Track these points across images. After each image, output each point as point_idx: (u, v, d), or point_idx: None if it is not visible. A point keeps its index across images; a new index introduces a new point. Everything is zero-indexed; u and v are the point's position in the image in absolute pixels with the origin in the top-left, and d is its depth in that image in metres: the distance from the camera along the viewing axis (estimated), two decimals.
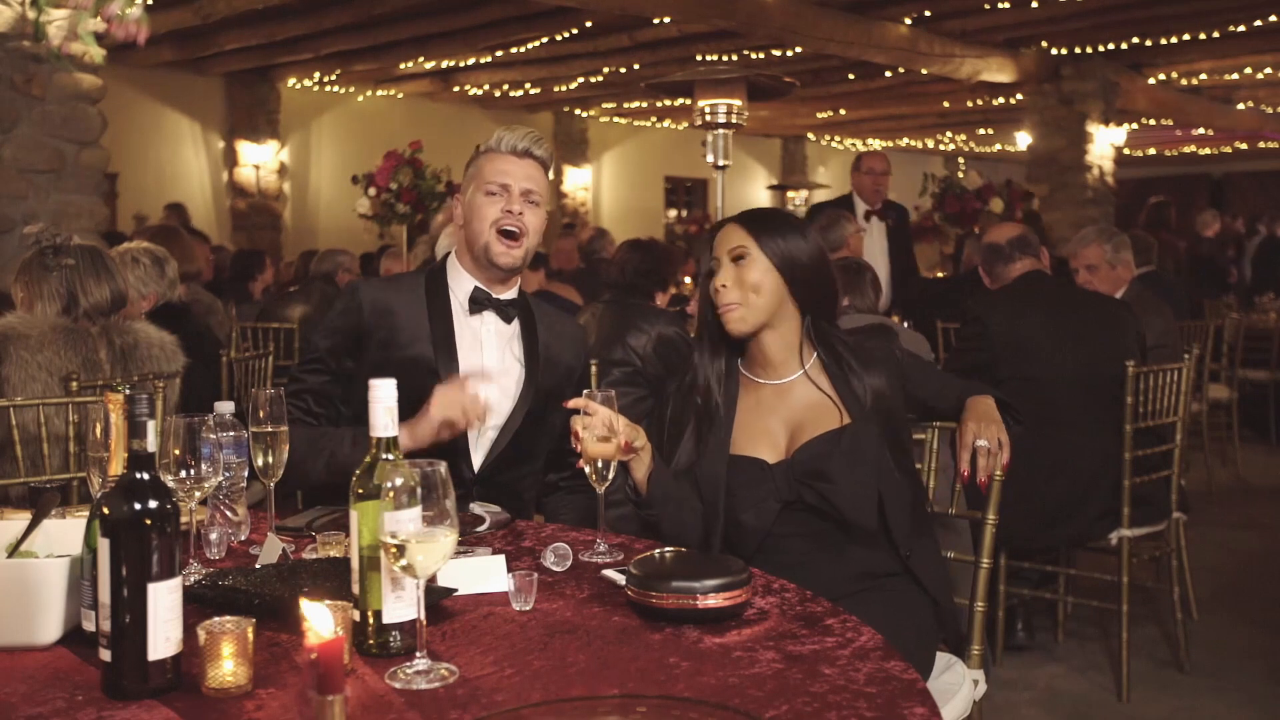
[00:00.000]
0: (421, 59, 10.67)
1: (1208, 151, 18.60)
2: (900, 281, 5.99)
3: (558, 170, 14.80)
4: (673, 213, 17.03)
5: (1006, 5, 8.64)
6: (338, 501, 2.11)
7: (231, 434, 1.99)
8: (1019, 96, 11.41)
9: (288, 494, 2.52)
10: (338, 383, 2.36)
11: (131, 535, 1.34)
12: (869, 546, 2.12)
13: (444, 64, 11.17)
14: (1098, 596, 3.99)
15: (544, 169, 2.43)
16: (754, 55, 10.30)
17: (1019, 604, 3.95)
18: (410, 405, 2.13)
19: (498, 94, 12.87)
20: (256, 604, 1.55)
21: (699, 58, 10.14)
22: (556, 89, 12.57)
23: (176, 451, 1.75)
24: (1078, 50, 10.40)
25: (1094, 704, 3.55)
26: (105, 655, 1.34)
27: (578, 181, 15.11)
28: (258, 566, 1.77)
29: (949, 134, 17.25)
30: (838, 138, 18.03)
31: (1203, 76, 11.89)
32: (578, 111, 14.78)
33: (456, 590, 1.65)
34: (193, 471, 1.76)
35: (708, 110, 4.14)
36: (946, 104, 13.55)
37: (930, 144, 18.23)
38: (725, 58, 10.28)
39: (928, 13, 8.94)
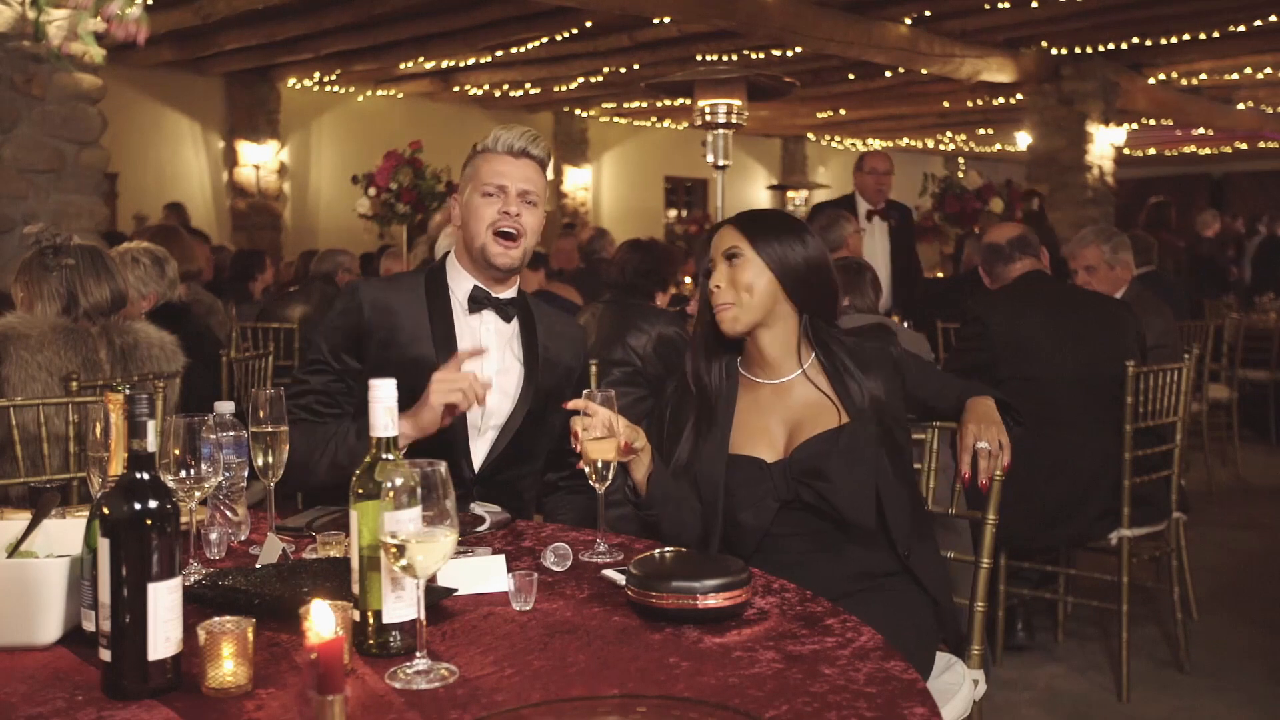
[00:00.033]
0: (421, 59, 10.67)
1: (1208, 151, 18.61)
2: (902, 282, 5.98)
3: (557, 170, 14.81)
4: (673, 213, 17.03)
5: (1006, 5, 8.64)
6: (338, 501, 2.11)
7: (231, 434, 1.99)
8: (1019, 96, 11.41)
9: (288, 494, 2.51)
10: (342, 381, 2.36)
11: (131, 535, 1.34)
12: (868, 546, 2.12)
13: (444, 64, 11.17)
14: (1098, 596, 3.99)
15: (541, 168, 2.42)
16: (754, 55, 10.30)
17: (1019, 604, 3.95)
18: (411, 405, 2.14)
19: (498, 94, 12.87)
20: (256, 604, 1.56)
21: (699, 58, 10.14)
22: (556, 89, 12.57)
23: (176, 451, 1.75)
24: (1078, 50, 10.40)
25: (1094, 704, 3.55)
26: (105, 655, 1.34)
27: (578, 181, 15.11)
28: (258, 566, 1.77)
29: (949, 134, 17.25)
30: (838, 138, 18.04)
31: (1203, 76, 11.90)
32: (578, 111, 14.78)
33: (456, 590, 1.65)
34: (193, 471, 1.76)
35: (708, 110, 4.14)
36: (946, 104, 13.55)
37: (930, 144, 18.23)
38: (725, 58, 10.28)
39: (928, 13, 8.94)
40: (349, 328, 2.36)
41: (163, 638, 1.34)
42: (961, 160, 17.74)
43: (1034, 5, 8.62)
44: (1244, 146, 17.65)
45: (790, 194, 12.44)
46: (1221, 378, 6.86)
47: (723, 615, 1.60)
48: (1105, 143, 10.93)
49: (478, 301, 2.40)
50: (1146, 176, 19.25)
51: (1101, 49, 10.33)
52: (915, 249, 6.40)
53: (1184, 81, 12.18)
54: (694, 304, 4.27)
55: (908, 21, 9.17)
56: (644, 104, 13.97)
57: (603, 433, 1.96)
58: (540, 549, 1.97)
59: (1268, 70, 11.37)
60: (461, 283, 2.41)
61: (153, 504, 1.35)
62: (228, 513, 2.01)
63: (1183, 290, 6.47)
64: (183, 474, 1.75)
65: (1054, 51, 10.47)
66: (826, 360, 2.20)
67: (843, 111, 14.41)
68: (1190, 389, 3.83)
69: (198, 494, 1.80)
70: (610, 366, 3.68)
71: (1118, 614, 3.59)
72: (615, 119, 15.34)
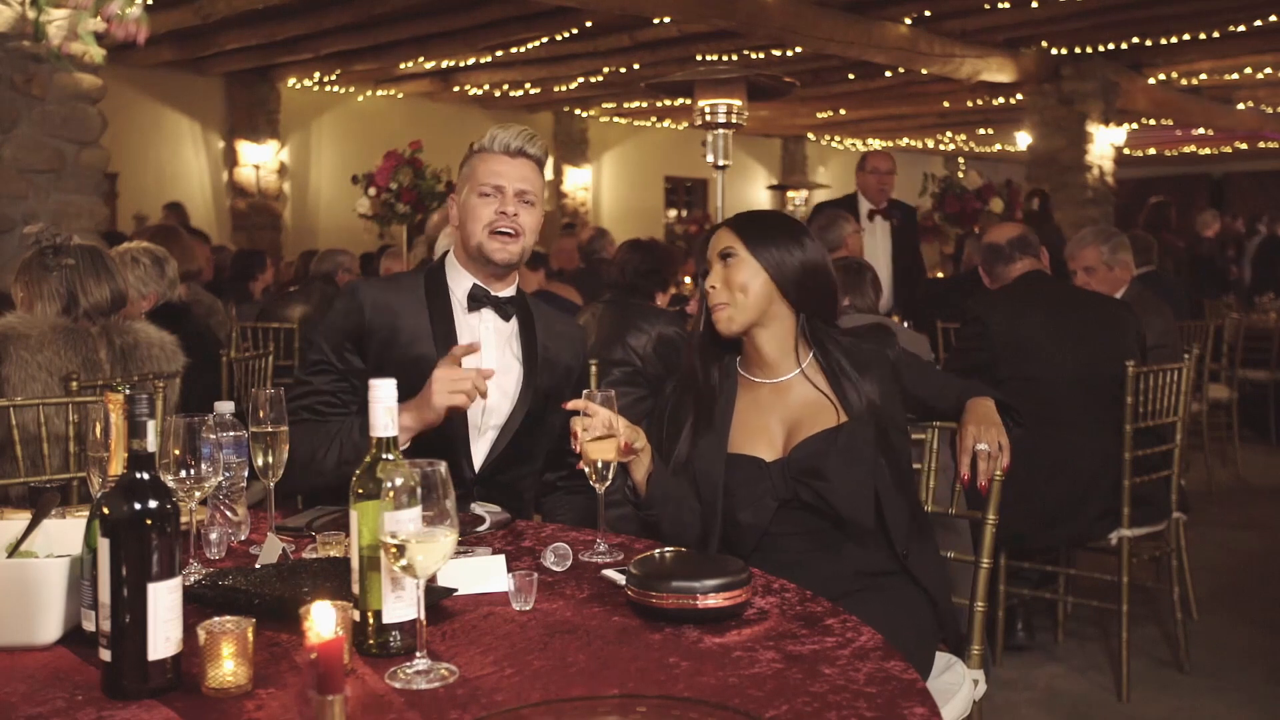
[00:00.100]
0: (421, 59, 10.67)
1: (1208, 151, 18.61)
2: (904, 282, 5.98)
3: (557, 170, 14.81)
4: (673, 213, 17.03)
5: (1006, 5, 8.64)
6: (338, 502, 2.11)
7: (231, 434, 1.99)
8: (1019, 96, 11.42)
9: (288, 494, 2.51)
10: (347, 381, 2.35)
11: (131, 535, 1.34)
12: (866, 545, 2.13)
13: (444, 64, 11.17)
14: (1098, 596, 3.99)
15: (538, 167, 2.42)
16: (754, 55, 10.30)
17: (1019, 604, 3.95)
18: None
19: (498, 94, 12.87)
20: (256, 604, 1.56)
21: (699, 58, 10.15)
22: (556, 89, 12.57)
23: (176, 451, 1.75)
24: (1078, 50, 10.40)
25: (1094, 704, 3.55)
26: (105, 655, 1.34)
27: (578, 181, 15.11)
28: (258, 566, 1.77)
29: (949, 134, 17.26)
30: (838, 138, 18.04)
31: (1203, 76, 11.90)
32: (578, 111, 14.78)
33: (456, 590, 1.65)
34: (193, 471, 1.76)
35: (708, 110, 4.14)
36: (946, 104, 13.55)
37: (930, 144, 18.23)
38: (725, 58, 10.28)
39: (928, 13, 8.95)
40: (351, 328, 2.35)
41: (163, 638, 1.34)
42: (961, 160, 17.74)
43: (1034, 5, 8.62)
44: (1244, 146, 17.65)
45: (790, 194, 12.44)
46: (1221, 378, 6.86)
47: (723, 615, 1.60)
48: (1105, 143, 10.94)
49: (477, 300, 2.39)
50: (1146, 176, 19.25)
51: (1101, 49, 10.33)
52: (919, 249, 6.39)
53: (1184, 81, 12.18)
54: (694, 304, 4.27)
55: (908, 21, 9.17)
56: (644, 104, 13.97)
57: (603, 433, 1.96)
58: (540, 549, 1.97)
59: (1268, 70, 11.37)
60: (461, 281, 2.41)
61: (153, 504, 1.35)
62: (228, 513, 2.01)
63: (1183, 290, 6.47)
64: (183, 474, 1.75)
65: (1054, 51, 10.47)
66: (824, 360, 2.20)
67: (843, 111, 14.41)
68: (1190, 389, 3.83)
69: (198, 494, 1.80)
70: (610, 366, 3.68)
71: (1118, 614, 3.59)
72: (615, 119, 15.35)
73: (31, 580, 1.46)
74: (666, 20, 8.52)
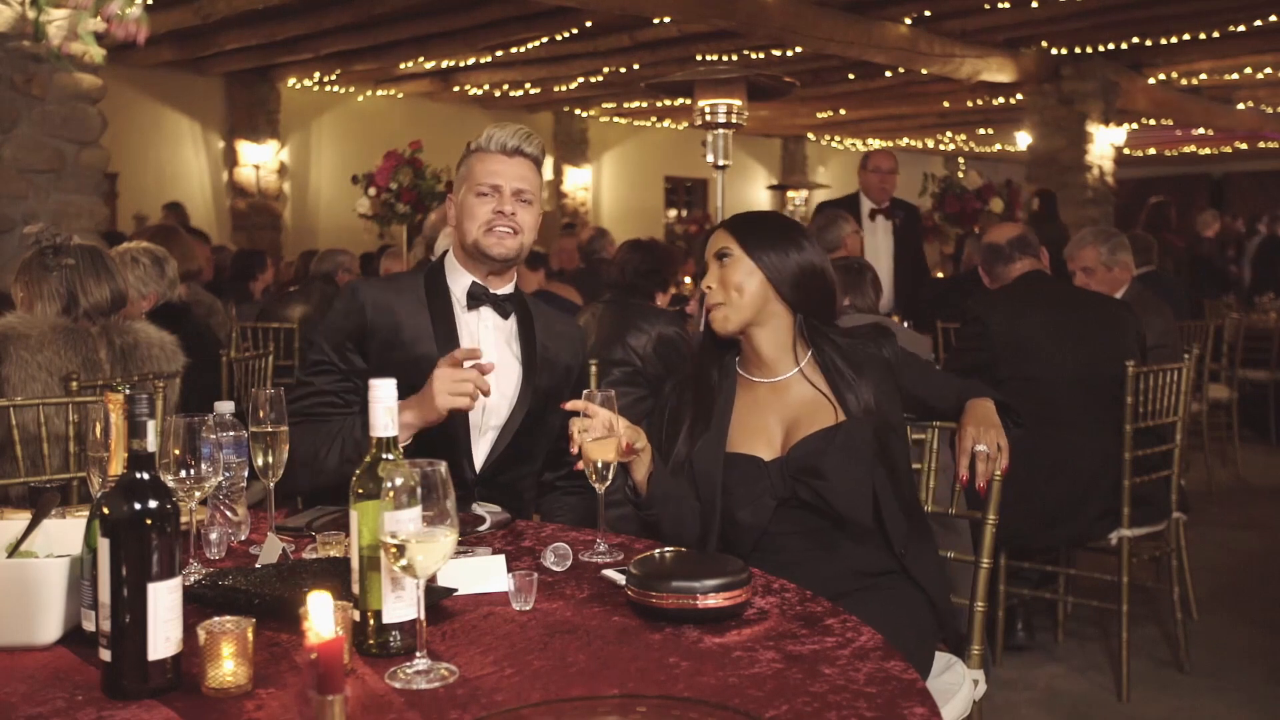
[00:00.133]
0: (421, 59, 10.67)
1: (1208, 151, 18.61)
2: (906, 281, 5.97)
3: (557, 170, 14.82)
4: (673, 213, 17.04)
5: (1006, 5, 8.64)
6: (339, 502, 2.11)
7: (231, 434, 1.99)
8: (1019, 96, 11.42)
9: (290, 494, 2.51)
10: (349, 380, 2.35)
11: (131, 535, 1.34)
12: (865, 545, 2.13)
13: (444, 64, 11.17)
14: (1098, 596, 3.99)
15: (536, 166, 2.42)
16: (754, 55, 10.30)
17: (1019, 604, 3.95)
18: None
19: (498, 94, 12.87)
20: (256, 604, 1.56)
21: (699, 58, 10.15)
22: (556, 89, 12.57)
23: (176, 451, 1.75)
24: (1078, 50, 10.40)
25: (1094, 704, 3.55)
26: (105, 655, 1.34)
27: (578, 181, 15.11)
28: (258, 566, 1.77)
29: (949, 134, 17.26)
30: (838, 138, 18.04)
31: (1203, 76, 11.90)
32: (578, 111, 14.78)
33: (456, 590, 1.65)
34: (193, 471, 1.76)
35: (708, 110, 4.14)
36: (946, 104, 13.55)
37: (930, 144, 18.23)
38: (725, 58, 10.28)
39: (928, 13, 8.95)
40: (352, 328, 2.35)
41: (163, 638, 1.34)
42: (961, 160, 17.75)
43: (1034, 5, 8.62)
44: (1244, 146, 17.65)
45: (790, 194, 12.44)
46: (1221, 378, 6.86)
47: (723, 615, 1.60)
48: (1105, 143, 10.93)
49: (475, 298, 2.39)
50: (1146, 176, 19.25)
51: (1101, 49, 10.33)
52: (922, 249, 6.39)
53: (1184, 81, 12.18)
54: (694, 304, 4.28)
55: (908, 21, 9.17)
56: (644, 104, 13.97)
57: (603, 433, 1.96)
58: (540, 549, 1.97)
59: (1268, 70, 11.37)
60: (460, 280, 2.41)
61: (153, 504, 1.35)
62: (228, 513, 2.01)
63: (1183, 290, 6.47)
64: (183, 474, 1.75)
65: (1054, 51, 10.47)
66: (821, 360, 2.21)
67: (843, 111, 14.41)
68: (1190, 389, 3.83)
69: (198, 494, 1.80)
70: (610, 366, 3.68)
71: (1118, 614, 3.59)
72: (615, 119, 15.35)
73: (31, 580, 1.46)
74: (666, 20, 8.52)
